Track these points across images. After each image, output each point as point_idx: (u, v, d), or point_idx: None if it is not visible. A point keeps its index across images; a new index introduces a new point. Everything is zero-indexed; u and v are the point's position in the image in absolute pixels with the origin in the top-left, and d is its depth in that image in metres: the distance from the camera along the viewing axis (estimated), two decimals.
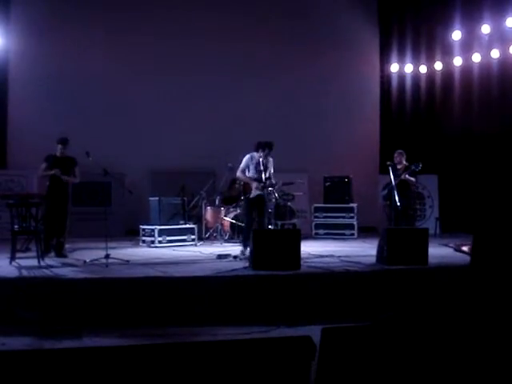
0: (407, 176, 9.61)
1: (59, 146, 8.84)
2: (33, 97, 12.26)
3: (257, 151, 8.83)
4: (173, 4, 12.88)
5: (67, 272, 7.25)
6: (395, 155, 9.98)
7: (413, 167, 9.54)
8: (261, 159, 8.74)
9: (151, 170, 12.74)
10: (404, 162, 9.88)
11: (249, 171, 8.89)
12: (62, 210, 8.75)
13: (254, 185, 8.77)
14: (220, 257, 8.72)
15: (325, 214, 12.12)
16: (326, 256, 8.77)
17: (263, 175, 8.65)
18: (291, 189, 11.60)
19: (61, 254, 8.66)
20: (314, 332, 3.01)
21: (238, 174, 9.07)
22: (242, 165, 8.92)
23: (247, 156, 8.92)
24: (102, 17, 12.55)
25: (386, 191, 9.84)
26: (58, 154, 8.86)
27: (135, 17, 12.75)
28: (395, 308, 6.72)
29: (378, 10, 14.03)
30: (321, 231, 12.12)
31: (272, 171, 8.93)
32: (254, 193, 8.80)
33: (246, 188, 9.00)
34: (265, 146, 8.75)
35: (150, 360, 2.68)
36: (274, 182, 8.94)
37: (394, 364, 2.57)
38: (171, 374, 2.68)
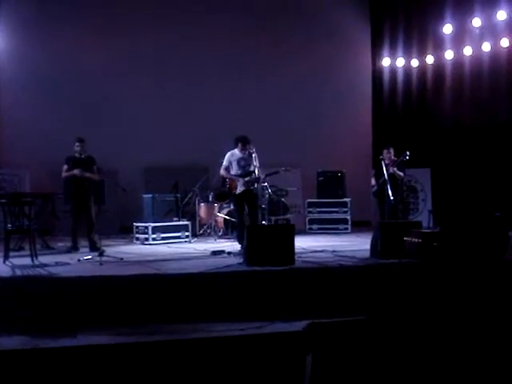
0: (395, 169, 9.66)
1: (76, 145, 9.18)
2: (24, 95, 12.21)
3: (236, 147, 8.88)
4: (166, 2, 12.85)
5: (61, 270, 7.24)
6: (384, 151, 10.00)
7: (401, 158, 9.63)
8: (242, 154, 8.79)
9: (144, 166, 12.73)
10: (392, 158, 9.92)
11: (232, 168, 8.92)
12: (87, 208, 9.13)
13: (240, 182, 8.79)
14: (214, 253, 8.73)
15: (318, 209, 12.14)
16: (320, 251, 8.78)
17: (244, 170, 8.70)
18: (284, 184, 11.61)
19: (95, 247, 8.91)
20: None
21: (221, 172, 9.13)
22: (224, 163, 8.99)
23: (228, 153, 8.98)
24: (92, 15, 12.50)
25: (376, 187, 9.89)
26: (76, 154, 9.21)
27: (127, 15, 12.71)
28: (388, 302, 6.75)
29: (370, 3, 14.05)
30: (314, 226, 12.14)
31: (257, 165, 8.85)
32: (240, 189, 8.82)
33: (232, 185, 8.99)
34: (237, 141, 8.82)
35: (146, 357, 2.69)
36: (258, 176, 8.90)
37: (387, 358, 2.58)
38: (167, 371, 2.69)
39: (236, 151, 8.91)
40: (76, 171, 9.08)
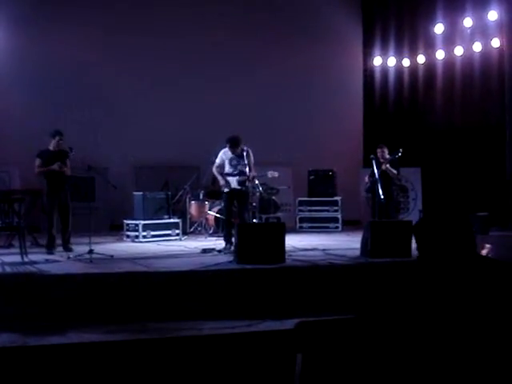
0: (388, 166, 9.71)
1: (56, 139, 8.82)
2: (14, 92, 12.09)
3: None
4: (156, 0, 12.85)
5: (51, 268, 7.22)
6: (378, 150, 10.07)
7: (393, 155, 9.72)
8: (233, 154, 8.83)
9: (135, 164, 12.69)
10: (387, 156, 9.98)
11: (225, 167, 8.98)
12: (64, 205, 8.80)
13: (229, 180, 8.85)
14: (205, 251, 8.72)
15: (309, 208, 12.14)
16: (311, 249, 8.80)
17: (236, 169, 8.76)
18: (275, 182, 11.60)
19: (67, 247, 8.72)
20: None
21: (213, 169, 9.21)
22: (217, 160, 9.05)
23: (221, 151, 9.03)
24: (83, 11, 12.43)
25: (369, 184, 9.94)
26: (52, 147, 8.83)
27: (117, 11, 12.63)
28: (379, 301, 6.76)
29: (362, 3, 14.06)
30: (305, 224, 12.14)
31: (251, 163, 8.91)
32: (228, 187, 8.87)
33: (221, 183, 9.08)
34: (226, 142, 8.86)
35: (136, 355, 2.68)
36: (249, 174, 8.88)
37: (378, 356, 2.59)
38: (158, 369, 2.69)
39: (227, 150, 8.94)
40: (55, 166, 8.67)
